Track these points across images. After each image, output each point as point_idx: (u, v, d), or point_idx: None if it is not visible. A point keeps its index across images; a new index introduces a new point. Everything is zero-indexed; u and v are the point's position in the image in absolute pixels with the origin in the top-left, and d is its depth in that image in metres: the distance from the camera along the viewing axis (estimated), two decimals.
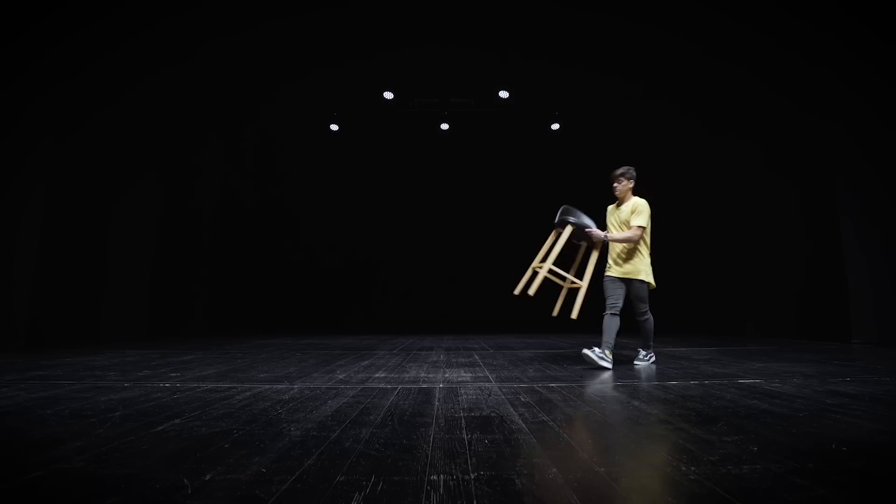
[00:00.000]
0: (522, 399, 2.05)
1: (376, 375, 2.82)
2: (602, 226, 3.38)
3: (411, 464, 1.18)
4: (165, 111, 6.85)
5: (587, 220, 3.27)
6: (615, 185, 3.29)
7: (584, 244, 3.45)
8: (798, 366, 3.04)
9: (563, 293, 3.54)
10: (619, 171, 3.29)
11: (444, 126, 8.32)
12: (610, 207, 3.42)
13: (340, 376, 2.78)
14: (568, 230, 3.24)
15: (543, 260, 3.32)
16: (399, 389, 2.32)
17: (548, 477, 1.07)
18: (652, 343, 3.35)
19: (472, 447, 1.32)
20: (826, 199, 5.14)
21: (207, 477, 1.08)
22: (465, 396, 2.12)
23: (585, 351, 3.04)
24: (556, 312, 3.53)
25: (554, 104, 8.17)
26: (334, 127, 8.40)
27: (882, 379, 2.45)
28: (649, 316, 3.22)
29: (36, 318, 4.82)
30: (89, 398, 2.05)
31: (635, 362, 3.28)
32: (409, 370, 3.03)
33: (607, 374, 2.80)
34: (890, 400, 1.91)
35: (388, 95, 7.87)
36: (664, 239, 8.05)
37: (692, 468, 1.11)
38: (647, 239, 3.19)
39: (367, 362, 3.53)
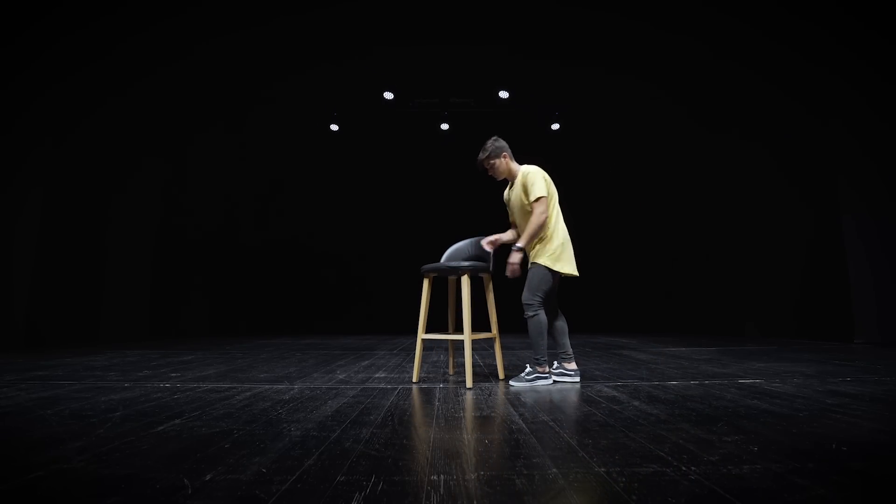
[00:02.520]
0: (522, 399, 2.05)
1: (376, 375, 2.82)
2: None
3: (411, 464, 1.18)
4: (164, 111, 6.85)
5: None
6: (490, 173, 2.64)
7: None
8: (798, 365, 3.04)
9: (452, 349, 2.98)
10: (483, 154, 2.59)
11: (445, 126, 8.32)
12: (505, 194, 2.73)
13: (340, 376, 2.78)
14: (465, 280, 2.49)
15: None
16: (399, 389, 2.32)
17: (548, 477, 1.07)
18: (543, 355, 2.40)
19: (473, 447, 1.32)
20: (828, 198, 5.14)
21: (208, 477, 1.08)
22: (465, 396, 2.12)
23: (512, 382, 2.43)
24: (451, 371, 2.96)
25: (555, 104, 8.18)
26: (334, 127, 8.40)
27: (882, 379, 2.45)
28: (538, 313, 2.38)
29: (35, 318, 4.82)
30: (89, 398, 2.05)
31: (511, 382, 2.43)
32: (410, 370, 3.03)
33: (607, 376, 2.80)
34: (890, 400, 1.91)
35: (389, 95, 7.87)
36: (665, 239, 8.12)
37: (692, 468, 1.11)
38: (551, 212, 2.50)
39: (367, 362, 3.53)
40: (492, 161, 2.57)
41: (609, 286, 8.69)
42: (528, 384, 2.38)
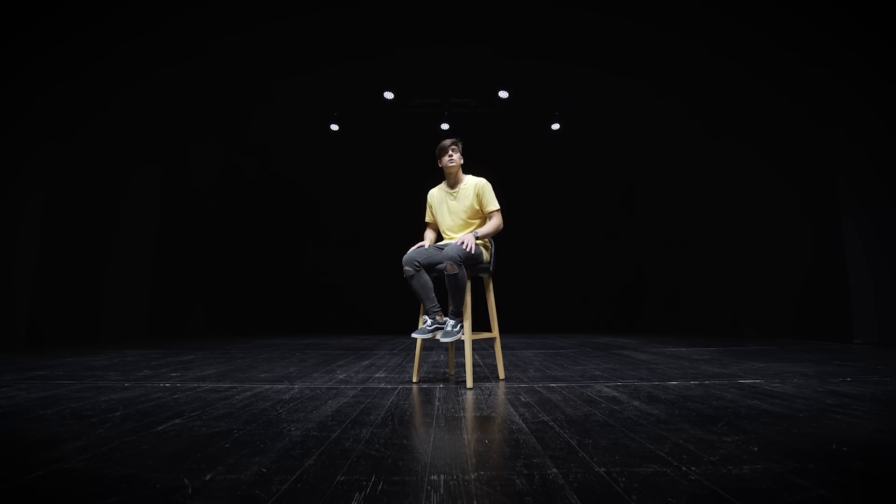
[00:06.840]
0: (522, 399, 2.05)
1: (376, 375, 2.82)
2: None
3: (411, 464, 1.18)
4: (165, 110, 6.86)
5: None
6: (447, 160, 2.64)
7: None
8: (798, 366, 3.04)
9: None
10: (452, 141, 2.64)
11: (445, 126, 8.32)
12: (437, 195, 2.77)
13: (341, 376, 2.78)
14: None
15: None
16: (399, 389, 2.32)
17: (548, 477, 1.07)
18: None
19: (473, 447, 1.32)
20: (827, 198, 5.13)
21: (208, 477, 1.08)
22: (465, 396, 2.12)
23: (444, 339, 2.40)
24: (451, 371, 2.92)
25: (555, 104, 8.17)
26: (335, 127, 8.40)
27: (883, 379, 2.45)
28: (463, 270, 2.41)
29: (36, 317, 4.82)
30: (89, 398, 2.05)
31: (441, 338, 2.41)
32: (410, 370, 3.03)
33: (607, 376, 2.80)
34: (891, 400, 1.91)
35: (389, 95, 7.88)
36: (664, 239, 8.11)
37: (692, 468, 1.11)
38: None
39: (367, 362, 3.53)
40: (459, 152, 2.66)
41: (609, 287, 8.69)
42: (456, 336, 2.39)
